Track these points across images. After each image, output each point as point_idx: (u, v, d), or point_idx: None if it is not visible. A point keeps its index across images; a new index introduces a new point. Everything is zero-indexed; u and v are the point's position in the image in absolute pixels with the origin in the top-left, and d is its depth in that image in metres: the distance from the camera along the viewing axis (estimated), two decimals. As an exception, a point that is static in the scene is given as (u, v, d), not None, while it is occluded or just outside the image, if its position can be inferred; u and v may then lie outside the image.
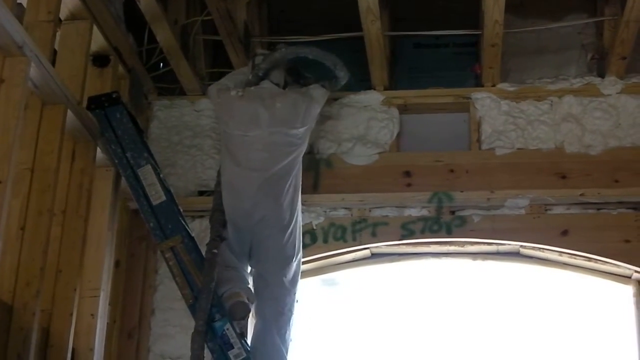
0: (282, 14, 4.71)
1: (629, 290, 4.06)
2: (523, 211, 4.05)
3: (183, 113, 4.35)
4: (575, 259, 4.06)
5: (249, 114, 3.79)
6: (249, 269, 3.87)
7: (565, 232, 4.01)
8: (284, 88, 3.97)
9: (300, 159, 3.90)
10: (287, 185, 3.78)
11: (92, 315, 3.52)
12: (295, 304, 3.81)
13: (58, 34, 3.58)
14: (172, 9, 4.08)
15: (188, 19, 4.17)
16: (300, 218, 3.88)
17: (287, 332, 3.76)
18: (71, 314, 3.35)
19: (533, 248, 4.09)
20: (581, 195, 4.00)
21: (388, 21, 4.21)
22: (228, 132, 3.86)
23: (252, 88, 3.90)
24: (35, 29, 3.33)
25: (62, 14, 3.63)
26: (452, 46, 4.67)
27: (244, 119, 3.79)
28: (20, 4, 3.46)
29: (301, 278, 3.89)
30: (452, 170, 4.12)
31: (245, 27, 4.19)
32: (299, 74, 4.06)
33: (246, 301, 3.60)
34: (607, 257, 3.98)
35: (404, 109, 4.30)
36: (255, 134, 3.77)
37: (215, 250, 3.62)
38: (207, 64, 4.42)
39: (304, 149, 3.92)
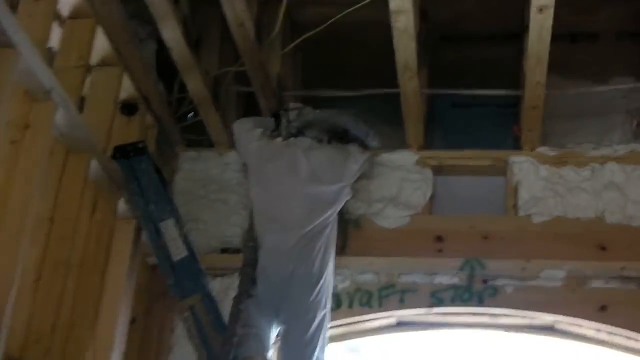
0: (317, 67, 4.62)
1: (669, 371, 3.87)
2: (559, 283, 3.87)
3: (210, 166, 4.23)
4: (614, 336, 3.87)
5: (289, 160, 3.77)
6: (274, 331, 3.73)
7: (603, 308, 3.81)
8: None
9: (335, 217, 3.80)
10: (320, 243, 3.69)
11: (104, 373, 3.39)
12: None
13: (87, 80, 3.52)
14: (204, 59, 4.00)
15: (220, 69, 4.09)
16: (331, 278, 3.74)
17: None
18: (82, 373, 3.22)
19: (569, 323, 3.90)
20: (622, 268, 3.82)
21: (426, 78, 4.10)
22: (262, 177, 3.80)
23: (292, 139, 3.89)
24: (64, 74, 3.26)
25: (93, 60, 3.57)
26: (490, 106, 4.55)
27: (283, 163, 3.77)
28: (51, 48, 3.40)
29: (324, 343, 3.74)
30: (485, 237, 3.95)
31: (279, 79, 4.11)
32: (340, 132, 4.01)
33: None
34: (648, 336, 3.79)
35: (438, 170, 4.16)
36: (291, 183, 3.73)
37: (241, 306, 3.54)
38: (237, 115, 4.33)
39: (338, 207, 3.82)
